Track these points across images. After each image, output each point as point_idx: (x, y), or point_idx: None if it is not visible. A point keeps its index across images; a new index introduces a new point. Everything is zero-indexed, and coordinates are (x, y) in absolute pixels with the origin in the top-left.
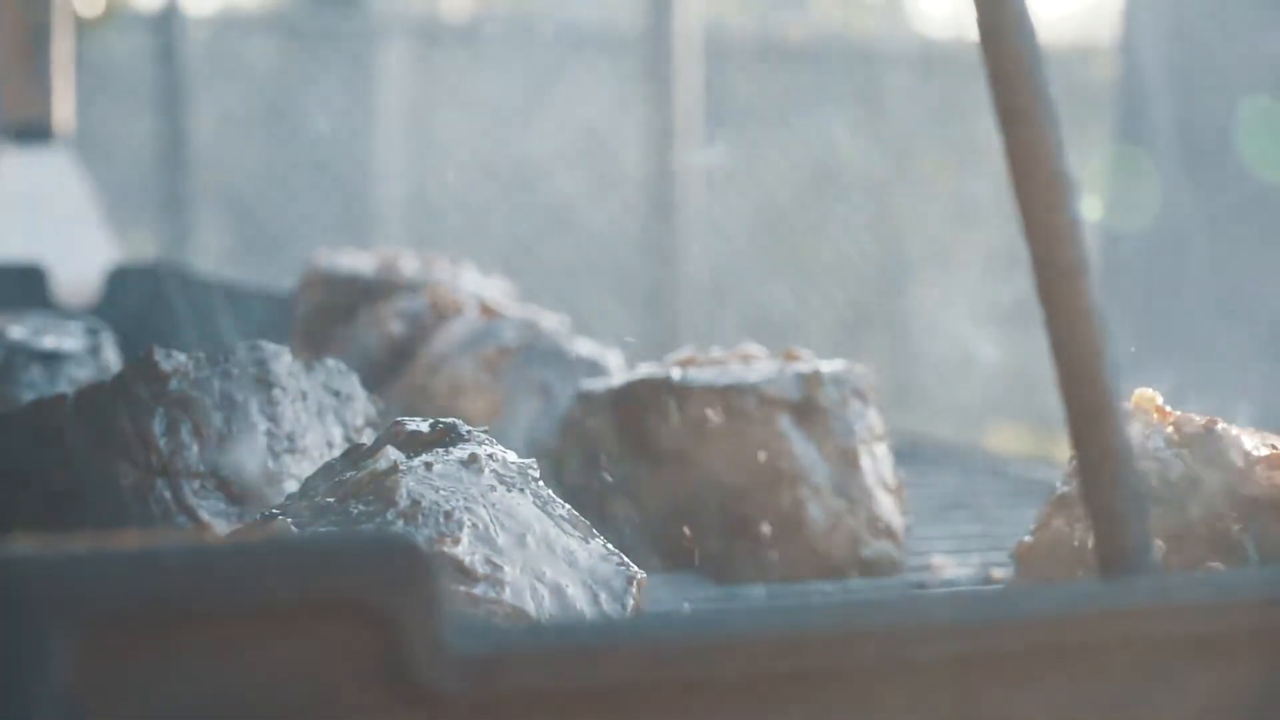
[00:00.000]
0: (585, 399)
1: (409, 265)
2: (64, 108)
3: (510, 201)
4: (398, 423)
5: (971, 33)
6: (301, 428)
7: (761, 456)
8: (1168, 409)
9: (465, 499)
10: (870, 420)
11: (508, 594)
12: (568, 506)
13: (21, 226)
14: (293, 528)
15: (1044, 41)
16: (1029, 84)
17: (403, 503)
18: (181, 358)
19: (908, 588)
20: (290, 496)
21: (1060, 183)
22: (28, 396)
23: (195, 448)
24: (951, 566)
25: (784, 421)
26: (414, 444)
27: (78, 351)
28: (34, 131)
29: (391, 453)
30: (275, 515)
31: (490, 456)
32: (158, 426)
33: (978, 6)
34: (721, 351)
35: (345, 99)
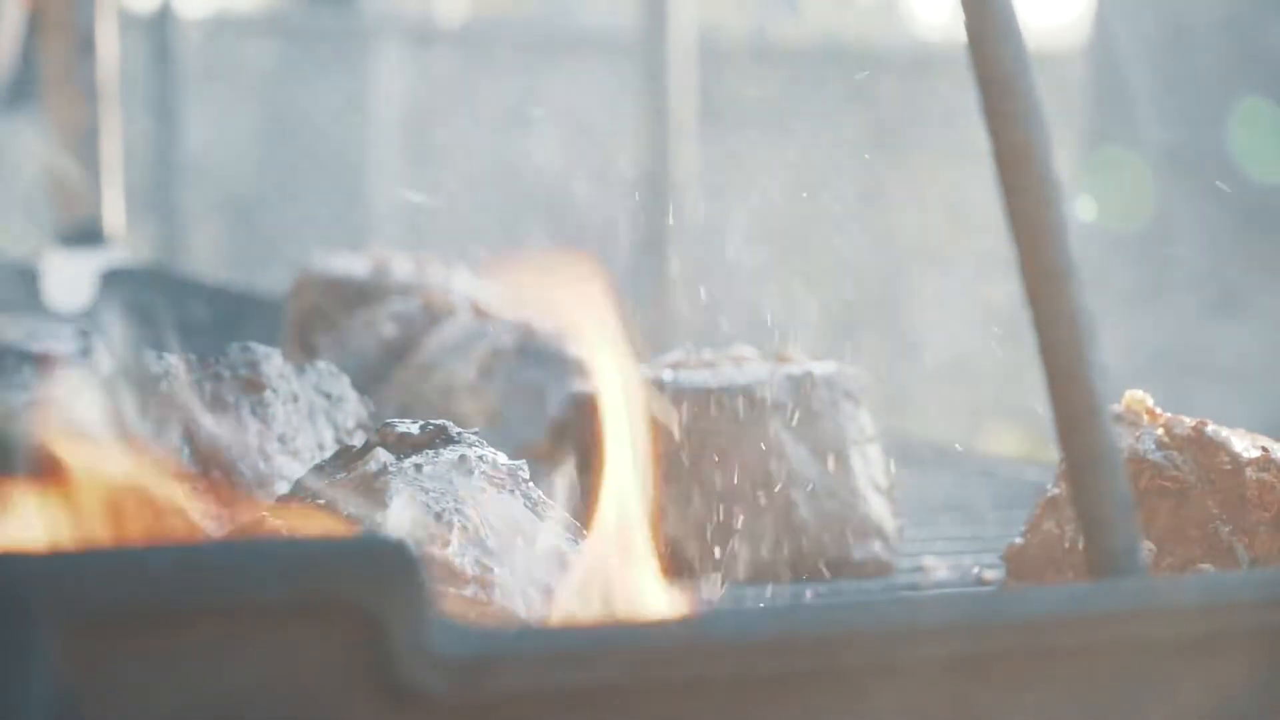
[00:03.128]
0: (577, 401)
1: (402, 267)
2: (114, 210)
3: (505, 203)
4: (388, 424)
5: (963, 36)
6: (293, 429)
7: (753, 458)
8: (1158, 411)
9: (455, 501)
10: (862, 422)
11: (497, 596)
12: (558, 508)
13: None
14: (282, 529)
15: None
16: (1016, 87)
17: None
18: (173, 359)
19: (899, 590)
20: (281, 498)
21: (1047, 185)
22: (19, 398)
23: (186, 450)
24: (943, 568)
25: (775, 423)
26: (404, 446)
27: (69, 354)
28: (85, 235)
29: (382, 454)
30: (265, 517)
31: (480, 458)
32: (149, 428)
33: (965, 11)
34: (713, 353)
35: (341, 100)
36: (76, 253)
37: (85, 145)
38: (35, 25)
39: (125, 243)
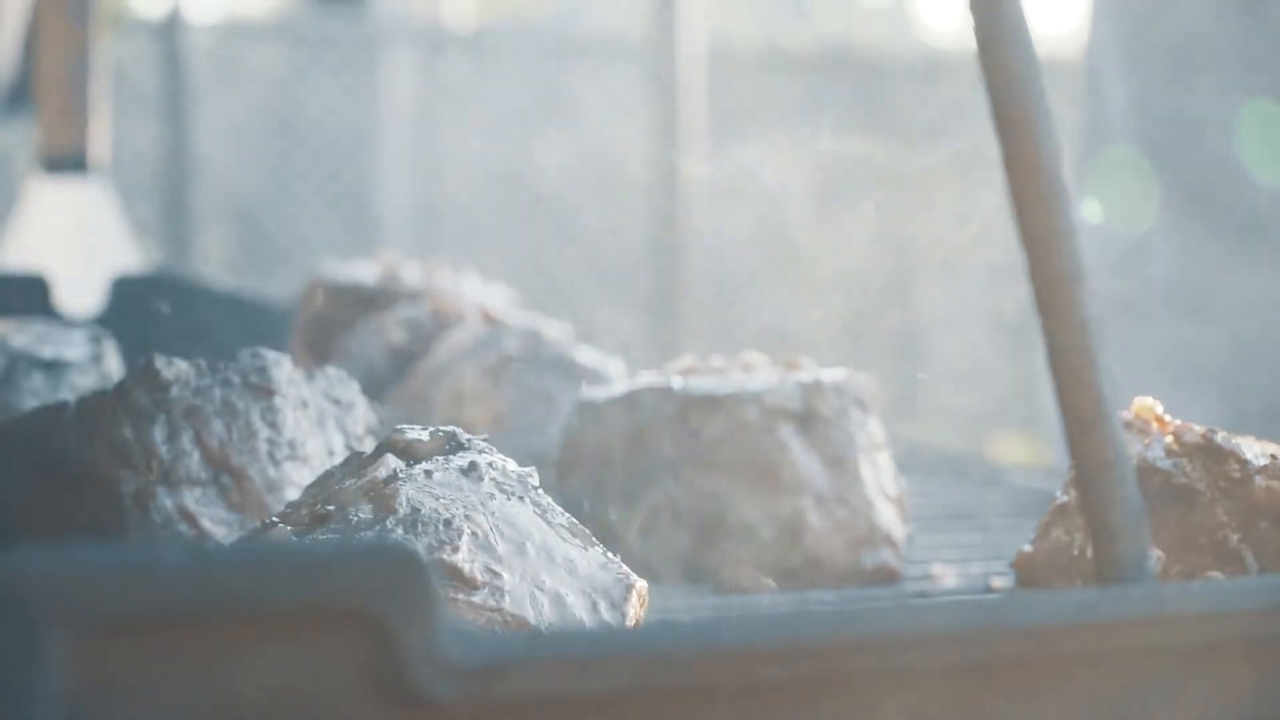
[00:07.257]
0: (586, 408)
1: (411, 273)
2: (100, 139)
3: (514, 209)
4: (397, 431)
5: (973, 42)
6: (302, 435)
7: (762, 465)
8: (1167, 418)
9: (465, 507)
10: (871, 429)
11: (507, 602)
12: (567, 515)
13: (50, 255)
14: (292, 535)
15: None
16: (1026, 93)
17: (402, 511)
18: (183, 365)
19: (908, 597)
20: (290, 504)
21: (1057, 192)
22: (30, 404)
23: (197, 455)
24: (952, 576)
25: (785, 430)
26: (414, 452)
27: (80, 359)
28: (69, 162)
29: (391, 461)
30: (275, 523)
31: (490, 464)
32: (159, 434)
33: (974, 15)
34: (723, 360)
35: (350, 106)
36: (59, 179)
37: (76, 76)
38: None
39: (107, 173)
